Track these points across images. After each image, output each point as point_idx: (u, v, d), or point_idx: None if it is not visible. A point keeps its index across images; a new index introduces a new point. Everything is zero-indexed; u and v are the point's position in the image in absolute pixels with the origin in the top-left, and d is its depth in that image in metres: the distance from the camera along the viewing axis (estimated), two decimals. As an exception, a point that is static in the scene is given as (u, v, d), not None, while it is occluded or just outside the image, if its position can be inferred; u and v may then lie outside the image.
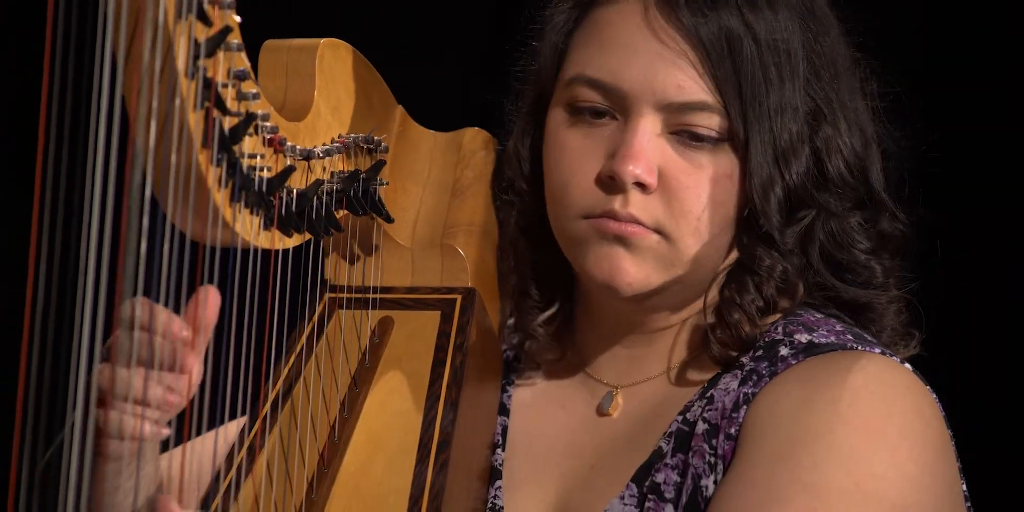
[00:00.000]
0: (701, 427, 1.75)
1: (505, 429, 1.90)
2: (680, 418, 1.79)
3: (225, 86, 1.51)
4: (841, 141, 1.79)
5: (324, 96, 1.76)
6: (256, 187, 1.57)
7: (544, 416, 1.91)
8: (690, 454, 1.75)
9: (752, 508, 1.63)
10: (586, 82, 1.78)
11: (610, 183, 1.76)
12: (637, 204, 1.75)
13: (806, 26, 1.78)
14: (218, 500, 1.69)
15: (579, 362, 1.91)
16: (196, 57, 1.46)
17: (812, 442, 1.66)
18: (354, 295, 1.88)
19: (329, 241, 1.89)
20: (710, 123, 1.75)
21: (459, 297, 1.88)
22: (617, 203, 1.76)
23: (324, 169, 1.74)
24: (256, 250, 1.62)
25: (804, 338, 1.77)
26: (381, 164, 1.83)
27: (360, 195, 1.79)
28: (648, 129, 1.75)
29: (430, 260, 1.92)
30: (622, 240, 1.77)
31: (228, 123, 1.52)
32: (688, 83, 1.74)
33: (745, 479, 1.66)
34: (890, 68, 1.87)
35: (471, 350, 1.83)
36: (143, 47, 1.41)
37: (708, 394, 1.78)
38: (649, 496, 1.75)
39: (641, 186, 1.75)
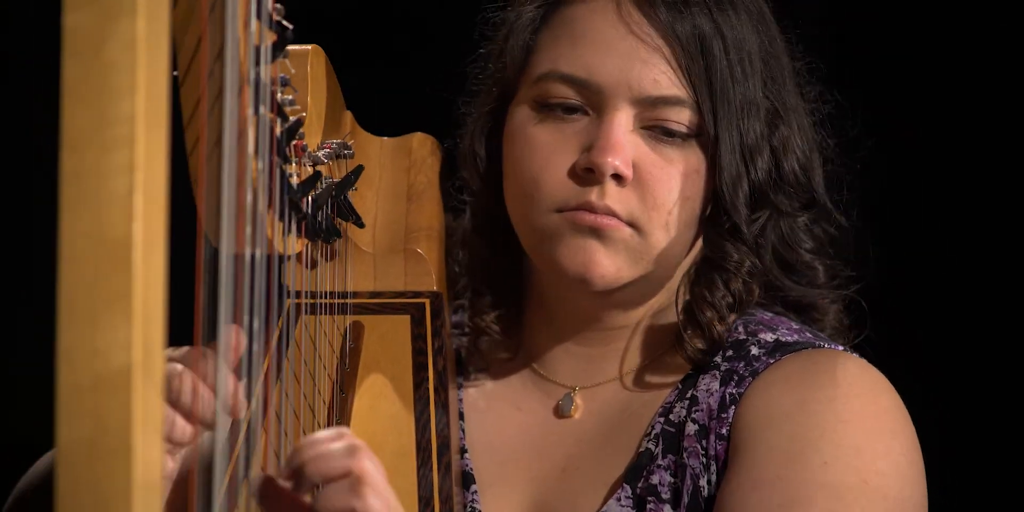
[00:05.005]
0: (691, 428, 1.81)
1: (462, 432, 1.92)
2: (662, 419, 1.84)
3: (275, 92, 1.50)
4: (795, 142, 1.87)
5: (314, 102, 1.76)
6: (291, 193, 1.57)
7: (500, 418, 1.94)
8: (684, 455, 1.80)
9: (776, 509, 1.70)
10: (559, 78, 1.81)
11: (586, 176, 1.79)
12: (613, 196, 1.79)
13: (761, 31, 1.86)
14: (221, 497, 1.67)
15: (529, 362, 1.95)
16: (256, 63, 1.45)
17: (818, 441, 1.73)
18: (318, 301, 1.88)
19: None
20: (682, 118, 1.80)
21: (427, 301, 1.90)
22: (593, 195, 1.79)
23: (314, 175, 1.74)
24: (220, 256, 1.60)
25: (770, 337, 1.85)
26: (361, 169, 1.83)
27: (344, 200, 1.80)
28: (623, 123, 1.79)
29: (393, 265, 1.93)
30: (597, 232, 1.79)
31: (278, 129, 1.51)
32: (663, 78, 1.79)
33: (757, 480, 1.72)
34: (826, 75, 1.96)
35: (448, 353, 1.86)
36: (211, 54, 1.40)
37: (689, 395, 1.84)
38: (648, 498, 1.79)
39: (618, 178, 1.79)
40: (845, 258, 1.96)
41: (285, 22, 1.49)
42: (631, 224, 1.80)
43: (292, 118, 1.55)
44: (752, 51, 1.83)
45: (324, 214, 1.71)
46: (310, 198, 1.65)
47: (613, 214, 1.79)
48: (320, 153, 1.71)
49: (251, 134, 1.37)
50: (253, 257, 1.37)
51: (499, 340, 1.95)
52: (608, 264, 1.80)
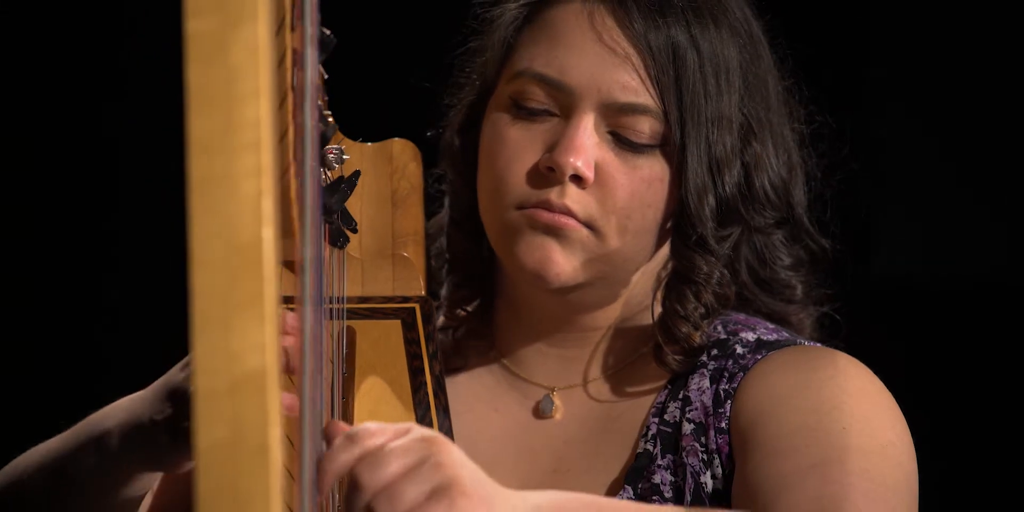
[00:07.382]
0: (688, 427, 1.85)
1: None
2: (656, 420, 1.87)
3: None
4: (768, 160, 1.92)
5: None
6: (325, 198, 1.58)
7: (479, 419, 1.96)
8: (683, 454, 1.83)
9: (808, 469, 1.71)
10: (532, 77, 1.85)
11: (547, 175, 1.84)
12: (572, 197, 1.83)
13: (744, 48, 1.90)
14: None
15: (502, 362, 1.98)
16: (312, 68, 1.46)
17: (832, 411, 1.77)
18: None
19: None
20: (647, 126, 1.84)
21: (417, 306, 1.90)
22: (553, 194, 1.83)
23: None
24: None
25: (751, 336, 1.90)
26: (359, 174, 1.84)
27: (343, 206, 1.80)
28: (589, 126, 1.83)
29: (381, 269, 1.94)
30: (553, 231, 1.84)
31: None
32: (632, 85, 1.83)
33: (780, 450, 1.75)
34: (815, 96, 2.02)
35: (441, 358, 1.87)
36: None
37: (681, 395, 1.88)
38: (652, 498, 1.83)
39: (578, 180, 1.83)
40: (823, 275, 2.01)
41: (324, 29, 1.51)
42: (588, 225, 1.84)
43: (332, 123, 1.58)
44: (731, 67, 1.87)
45: (336, 219, 1.72)
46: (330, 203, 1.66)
47: (570, 214, 1.83)
48: (330, 158, 1.72)
49: (312, 140, 1.38)
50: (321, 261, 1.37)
51: (475, 332, 1.98)
52: (564, 263, 1.84)
